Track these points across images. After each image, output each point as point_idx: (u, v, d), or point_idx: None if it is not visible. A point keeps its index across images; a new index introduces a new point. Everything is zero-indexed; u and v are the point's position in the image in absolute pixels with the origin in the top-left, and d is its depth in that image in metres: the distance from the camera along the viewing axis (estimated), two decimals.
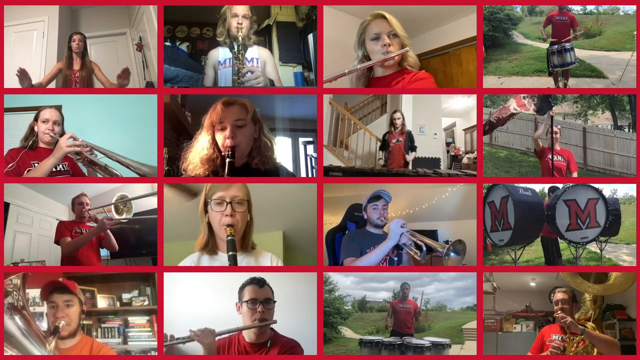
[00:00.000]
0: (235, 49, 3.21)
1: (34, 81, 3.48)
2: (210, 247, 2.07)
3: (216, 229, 2.03)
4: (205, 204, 2.05)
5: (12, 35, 4.23)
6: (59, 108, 3.03)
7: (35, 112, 2.97)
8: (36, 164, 2.77)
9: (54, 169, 2.81)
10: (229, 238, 1.92)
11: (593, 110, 6.87)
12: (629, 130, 6.49)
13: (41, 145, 2.91)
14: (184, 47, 4.62)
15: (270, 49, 4.30)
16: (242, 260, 2.06)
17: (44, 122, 2.89)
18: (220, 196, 2.00)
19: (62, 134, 2.86)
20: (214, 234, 2.05)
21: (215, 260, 2.10)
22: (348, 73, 2.51)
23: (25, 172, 2.79)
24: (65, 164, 2.94)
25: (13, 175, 2.78)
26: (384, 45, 2.49)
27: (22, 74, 3.31)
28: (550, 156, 3.55)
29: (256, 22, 3.43)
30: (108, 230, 3.40)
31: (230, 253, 1.89)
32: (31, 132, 2.92)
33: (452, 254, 2.22)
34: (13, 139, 3.43)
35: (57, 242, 3.31)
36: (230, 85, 3.27)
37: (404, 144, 5.05)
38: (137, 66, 4.37)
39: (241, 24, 3.23)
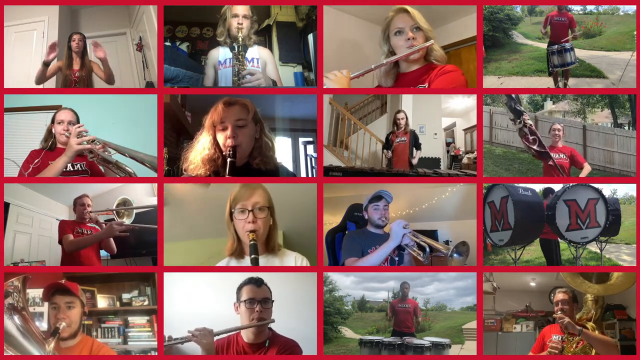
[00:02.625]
0: (236, 50, 3.21)
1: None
2: (238, 252, 2.15)
3: (241, 235, 2.11)
4: (231, 213, 2.13)
5: (12, 35, 4.23)
6: (73, 110, 3.04)
7: (37, 111, 2.98)
8: None
9: (71, 169, 2.84)
10: (251, 243, 2.02)
11: (592, 107, 6.87)
12: (628, 128, 6.50)
13: (59, 146, 2.95)
14: (184, 47, 4.62)
15: (270, 49, 4.30)
16: (267, 261, 2.14)
17: (59, 123, 2.94)
18: (242, 205, 2.09)
19: None
20: (240, 240, 2.14)
21: (242, 264, 2.17)
22: (375, 68, 2.50)
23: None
24: (83, 163, 2.95)
25: (33, 174, 2.81)
26: (408, 39, 2.46)
27: (52, 48, 3.37)
28: (552, 154, 3.54)
29: (257, 21, 3.43)
30: None
31: (252, 256, 1.98)
32: (49, 134, 2.98)
33: (455, 255, 2.22)
34: (13, 139, 3.45)
35: (60, 240, 3.31)
36: (230, 85, 3.27)
37: (408, 144, 5.05)
38: (137, 66, 4.37)
39: (241, 24, 3.23)
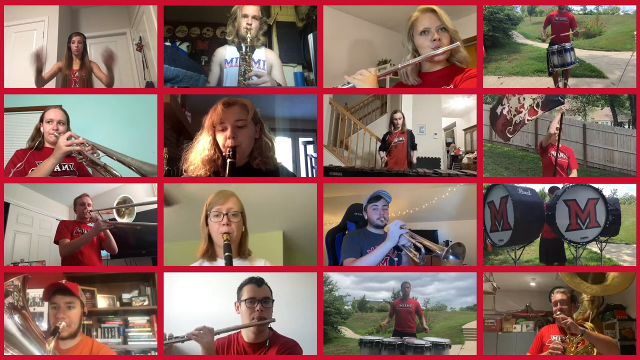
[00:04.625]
0: (243, 50, 3.21)
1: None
2: (209, 254, 2.18)
3: (215, 237, 2.15)
4: (206, 217, 2.17)
5: (12, 35, 4.23)
6: (62, 108, 3.02)
7: (36, 111, 2.97)
8: (41, 164, 2.77)
9: (59, 169, 2.82)
10: (225, 242, 2.07)
11: (592, 105, 6.88)
12: (628, 127, 6.50)
13: (47, 145, 2.92)
14: (184, 47, 4.62)
15: (270, 49, 4.30)
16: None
17: (48, 122, 2.90)
18: (217, 209, 2.14)
19: None
20: (213, 243, 2.18)
21: (214, 265, 2.18)
22: (401, 68, 2.49)
23: (30, 171, 2.79)
24: (72, 164, 2.94)
25: (19, 175, 2.79)
26: (434, 40, 2.42)
27: (37, 57, 3.34)
28: (552, 152, 3.55)
29: (266, 23, 3.43)
30: (109, 233, 3.41)
31: (226, 254, 2.03)
32: (37, 133, 2.94)
33: (451, 257, 2.21)
34: (13, 139, 3.44)
35: (56, 242, 3.31)
36: (235, 84, 3.28)
37: (406, 144, 5.06)
38: (137, 66, 4.37)
39: (250, 24, 3.24)
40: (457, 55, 2.50)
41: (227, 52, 3.41)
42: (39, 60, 3.47)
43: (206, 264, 2.19)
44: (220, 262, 2.13)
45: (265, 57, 3.42)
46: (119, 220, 3.40)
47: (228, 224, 2.11)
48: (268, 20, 4.42)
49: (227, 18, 3.37)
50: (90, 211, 3.39)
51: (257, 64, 3.34)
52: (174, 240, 3.11)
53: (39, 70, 3.52)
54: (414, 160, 5.07)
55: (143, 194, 3.94)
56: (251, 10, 3.26)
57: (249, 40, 3.21)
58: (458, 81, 2.44)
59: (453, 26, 2.46)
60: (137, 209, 3.59)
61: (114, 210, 3.41)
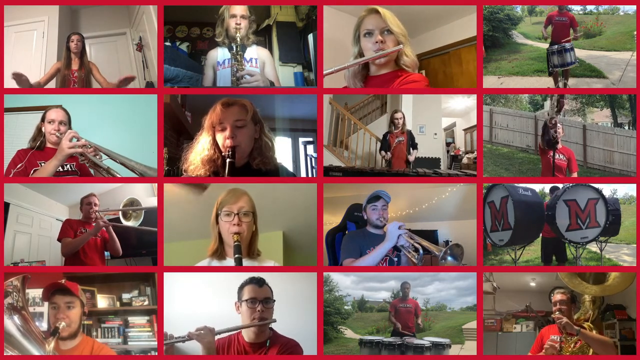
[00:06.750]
0: (234, 50, 3.20)
1: (33, 80, 3.48)
2: (219, 253, 2.18)
3: (225, 237, 2.15)
4: (217, 216, 2.17)
5: (12, 35, 4.23)
6: (63, 108, 3.01)
7: (36, 111, 2.97)
8: (43, 164, 2.77)
9: (61, 169, 2.82)
10: (235, 243, 2.06)
11: (592, 107, 6.88)
12: (628, 128, 6.49)
13: (49, 145, 2.91)
14: (184, 47, 4.62)
15: (270, 49, 4.30)
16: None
17: (50, 122, 2.90)
18: (228, 208, 2.13)
19: None
20: (223, 242, 2.17)
21: (223, 265, 2.18)
22: (341, 69, 2.38)
23: (32, 172, 2.79)
24: (73, 164, 2.93)
25: (21, 175, 2.79)
26: (376, 42, 2.34)
27: (17, 77, 3.31)
28: (552, 154, 3.55)
29: (255, 21, 3.42)
30: (113, 235, 3.40)
31: (236, 256, 2.03)
32: (39, 133, 2.93)
33: (449, 258, 2.20)
34: (12, 139, 3.44)
35: (59, 240, 3.30)
36: (228, 85, 3.27)
37: (406, 143, 5.07)
38: (137, 66, 4.37)
39: (239, 24, 3.22)
40: (403, 59, 2.41)
41: (219, 54, 3.40)
42: (20, 80, 3.40)
43: (215, 262, 2.18)
44: (230, 261, 2.12)
45: (257, 55, 3.40)
46: (124, 222, 3.39)
47: (239, 224, 2.11)
48: (268, 20, 4.43)
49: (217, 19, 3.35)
50: (97, 211, 3.38)
51: (249, 62, 3.32)
52: (174, 240, 3.10)
53: (27, 83, 3.48)
54: (413, 159, 5.07)
55: (143, 194, 3.94)
56: (239, 10, 3.24)
57: (239, 39, 3.18)
58: (396, 85, 2.36)
59: (400, 28, 2.37)
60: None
61: (120, 213, 3.40)
